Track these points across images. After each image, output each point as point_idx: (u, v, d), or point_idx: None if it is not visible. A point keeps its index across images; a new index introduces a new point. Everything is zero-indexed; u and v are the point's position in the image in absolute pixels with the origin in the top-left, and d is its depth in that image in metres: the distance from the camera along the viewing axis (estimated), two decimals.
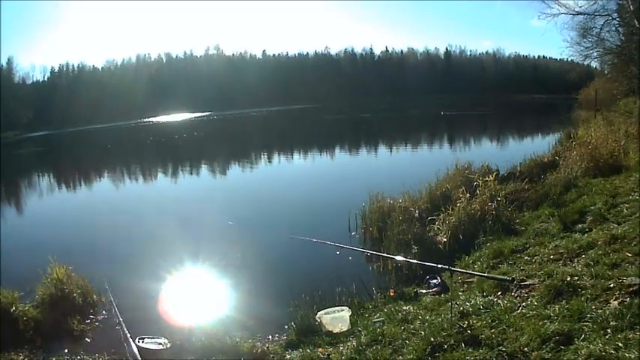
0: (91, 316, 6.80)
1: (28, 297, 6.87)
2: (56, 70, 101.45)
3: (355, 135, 38.01)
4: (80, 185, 22.11)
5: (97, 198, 18.21)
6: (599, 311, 3.74)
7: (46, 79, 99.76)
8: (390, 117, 54.59)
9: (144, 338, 5.43)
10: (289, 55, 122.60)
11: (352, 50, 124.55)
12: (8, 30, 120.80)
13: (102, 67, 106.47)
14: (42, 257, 7.46)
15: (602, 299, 4.02)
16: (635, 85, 22.69)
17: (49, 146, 48.92)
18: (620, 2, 20.67)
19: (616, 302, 3.86)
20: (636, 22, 18.64)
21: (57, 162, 32.86)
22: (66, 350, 5.77)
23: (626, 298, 3.88)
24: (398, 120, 51.50)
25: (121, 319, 6.01)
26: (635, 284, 4.00)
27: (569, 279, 4.49)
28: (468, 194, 9.07)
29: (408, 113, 57.98)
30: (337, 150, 28.83)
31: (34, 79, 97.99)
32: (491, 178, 9.33)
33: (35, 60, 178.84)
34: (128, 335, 5.52)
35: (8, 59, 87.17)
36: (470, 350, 3.72)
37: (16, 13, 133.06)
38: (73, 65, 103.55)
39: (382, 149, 28.77)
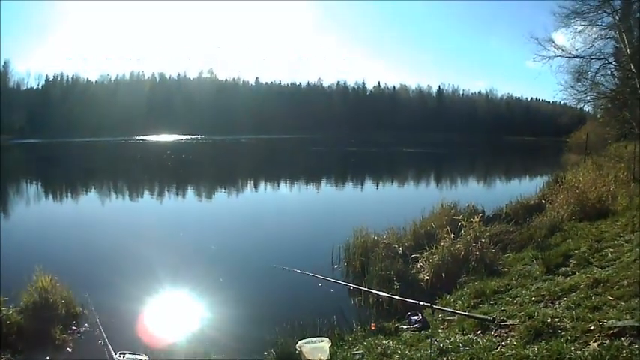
0: (74, 327, 6.77)
1: (12, 302, 6.75)
2: (51, 79, 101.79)
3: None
4: (67, 197, 21.99)
5: (83, 211, 18.06)
6: (578, 352, 3.72)
7: (40, 86, 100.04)
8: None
9: (125, 354, 5.32)
10: (282, 83, 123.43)
11: (344, 83, 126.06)
12: (3, 34, 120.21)
13: (95, 81, 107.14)
14: (24, 263, 7.49)
15: (581, 341, 3.99)
16: (626, 130, 22.90)
17: (40, 154, 48.72)
18: (617, 45, 20.99)
19: (595, 344, 3.84)
20: (632, 66, 18.92)
21: (47, 171, 32.86)
22: (47, 358, 5.77)
23: (606, 340, 3.87)
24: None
25: (106, 340, 5.91)
26: (615, 327, 3.99)
27: (549, 320, 4.48)
28: (452, 234, 9.04)
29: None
30: (323, 182, 28.65)
31: (29, 86, 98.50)
32: (476, 219, 9.33)
33: (30, 66, 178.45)
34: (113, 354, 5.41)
35: (4, 63, 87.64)
36: None
37: (11, 18, 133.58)
38: (67, 76, 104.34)
39: (362, 184, 28.70)
